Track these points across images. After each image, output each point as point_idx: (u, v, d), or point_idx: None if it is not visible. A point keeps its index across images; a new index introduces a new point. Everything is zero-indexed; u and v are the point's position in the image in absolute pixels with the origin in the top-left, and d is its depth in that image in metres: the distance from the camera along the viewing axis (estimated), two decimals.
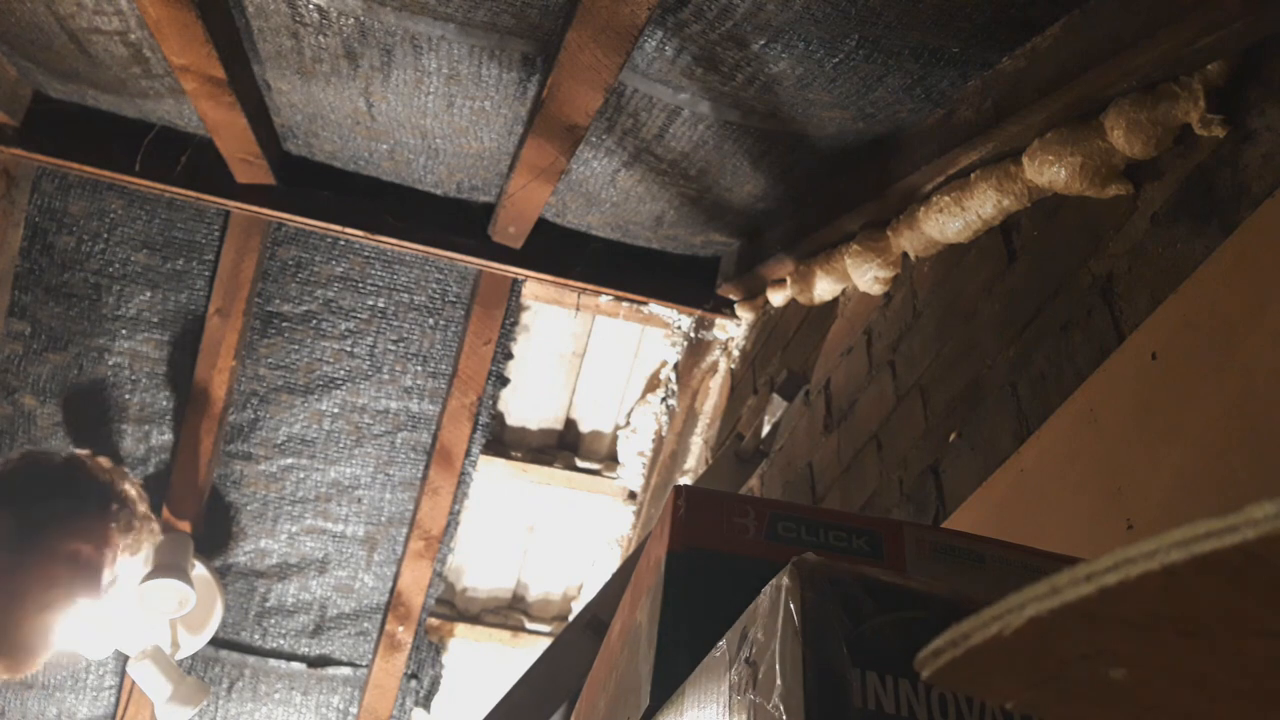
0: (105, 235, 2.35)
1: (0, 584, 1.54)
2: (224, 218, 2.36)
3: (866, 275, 1.68)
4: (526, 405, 2.78)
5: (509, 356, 2.61)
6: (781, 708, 0.45)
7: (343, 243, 2.40)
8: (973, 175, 1.39)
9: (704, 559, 0.67)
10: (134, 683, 2.46)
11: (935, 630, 0.30)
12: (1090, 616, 0.26)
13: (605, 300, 2.41)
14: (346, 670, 2.80)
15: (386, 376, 2.57)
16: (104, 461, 1.77)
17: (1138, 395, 1.00)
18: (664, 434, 2.72)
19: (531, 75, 1.64)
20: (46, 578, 1.56)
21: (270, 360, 2.51)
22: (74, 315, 2.39)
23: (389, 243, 2.24)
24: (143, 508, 1.75)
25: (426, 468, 2.65)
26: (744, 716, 0.49)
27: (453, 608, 2.98)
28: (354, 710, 2.83)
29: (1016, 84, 1.28)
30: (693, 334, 2.52)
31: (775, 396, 1.90)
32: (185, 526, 2.52)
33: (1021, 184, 1.31)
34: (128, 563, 1.74)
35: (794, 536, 0.68)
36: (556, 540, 2.98)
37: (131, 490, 1.74)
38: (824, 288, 1.87)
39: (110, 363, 2.44)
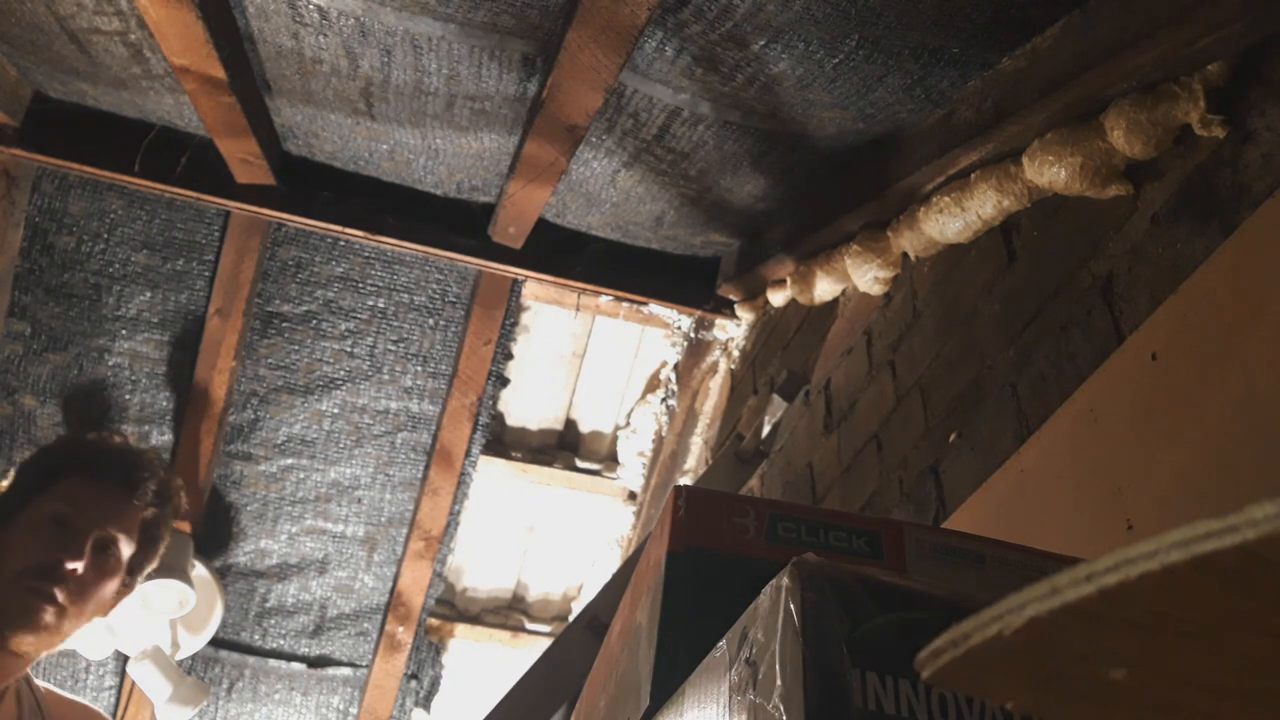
0: (105, 235, 2.35)
1: None
2: (224, 218, 2.36)
3: (866, 275, 1.68)
4: (526, 405, 2.78)
5: (509, 357, 2.61)
6: (781, 708, 0.45)
7: (343, 243, 2.40)
8: (973, 175, 1.39)
9: (704, 559, 0.67)
10: (134, 683, 2.46)
11: (935, 630, 0.30)
12: (1090, 616, 0.26)
13: (605, 300, 2.41)
14: (346, 670, 2.80)
15: (386, 377, 2.57)
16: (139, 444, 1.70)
17: (1138, 395, 1.00)
18: (664, 434, 2.72)
19: (531, 75, 1.64)
20: (27, 539, 1.44)
21: (270, 360, 2.51)
22: (74, 315, 2.39)
23: (389, 243, 2.24)
24: (178, 486, 1.66)
25: (426, 468, 2.65)
26: (744, 717, 0.49)
27: (453, 608, 2.98)
28: (354, 710, 2.83)
29: (1016, 84, 1.28)
30: (693, 334, 2.52)
31: (775, 397, 1.90)
32: (185, 527, 2.52)
33: (1021, 184, 1.31)
34: (142, 550, 1.61)
35: (794, 537, 0.68)
36: (556, 540, 2.97)
37: (173, 479, 1.65)
38: (824, 288, 1.87)
39: (110, 363, 2.44)
